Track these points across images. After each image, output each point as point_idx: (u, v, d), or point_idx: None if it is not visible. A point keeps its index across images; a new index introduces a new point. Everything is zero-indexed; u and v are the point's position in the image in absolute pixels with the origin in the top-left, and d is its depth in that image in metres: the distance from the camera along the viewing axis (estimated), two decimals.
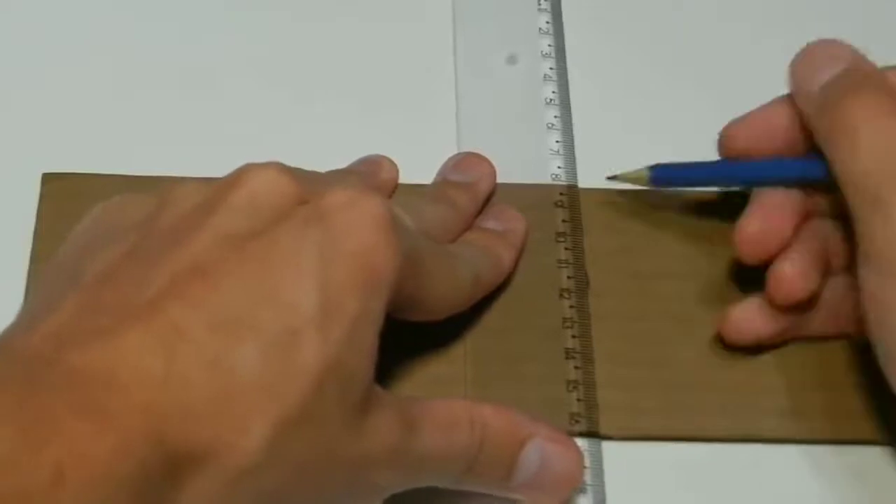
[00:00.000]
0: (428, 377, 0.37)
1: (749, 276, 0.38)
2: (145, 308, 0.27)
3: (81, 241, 0.31)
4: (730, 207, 0.38)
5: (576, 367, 0.37)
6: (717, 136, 0.38)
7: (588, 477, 0.35)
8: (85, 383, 0.25)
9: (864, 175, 0.34)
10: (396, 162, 0.41)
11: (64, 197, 0.40)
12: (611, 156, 0.41)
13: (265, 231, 0.29)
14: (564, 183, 0.41)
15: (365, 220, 0.29)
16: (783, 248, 0.37)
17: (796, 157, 0.37)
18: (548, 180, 0.41)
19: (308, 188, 0.30)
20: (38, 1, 0.45)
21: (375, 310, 0.29)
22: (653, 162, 0.40)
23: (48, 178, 0.40)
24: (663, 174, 0.39)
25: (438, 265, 0.34)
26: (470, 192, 0.40)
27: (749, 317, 0.37)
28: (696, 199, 0.41)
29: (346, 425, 0.29)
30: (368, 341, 0.29)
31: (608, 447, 0.36)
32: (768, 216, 0.37)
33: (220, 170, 0.31)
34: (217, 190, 0.30)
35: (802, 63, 0.38)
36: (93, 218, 0.32)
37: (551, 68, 0.43)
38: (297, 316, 0.28)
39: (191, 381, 0.26)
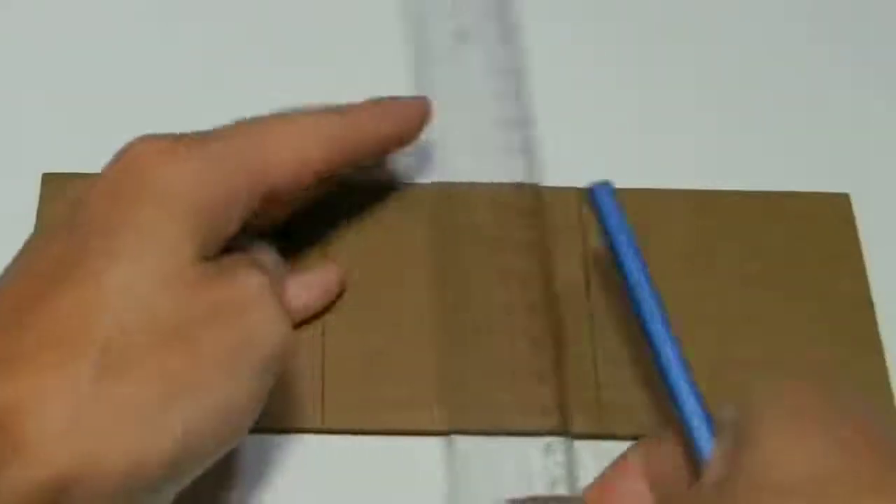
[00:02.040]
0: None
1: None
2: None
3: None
4: (729, 207, 0.38)
5: (549, 360, 0.37)
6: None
7: (564, 481, 0.35)
8: None
9: None
10: None
11: (64, 197, 0.40)
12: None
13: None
14: (528, 182, 0.40)
15: None
16: None
17: None
18: (518, 178, 0.40)
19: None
20: (38, 1, 0.45)
21: None
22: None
23: (48, 178, 0.40)
24: None
25: None
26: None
27: None
28: (695, 198, 0.41)
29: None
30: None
31: (608, 447, 0.36)
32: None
33: None
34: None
35: None
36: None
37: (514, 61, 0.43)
38: None
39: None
